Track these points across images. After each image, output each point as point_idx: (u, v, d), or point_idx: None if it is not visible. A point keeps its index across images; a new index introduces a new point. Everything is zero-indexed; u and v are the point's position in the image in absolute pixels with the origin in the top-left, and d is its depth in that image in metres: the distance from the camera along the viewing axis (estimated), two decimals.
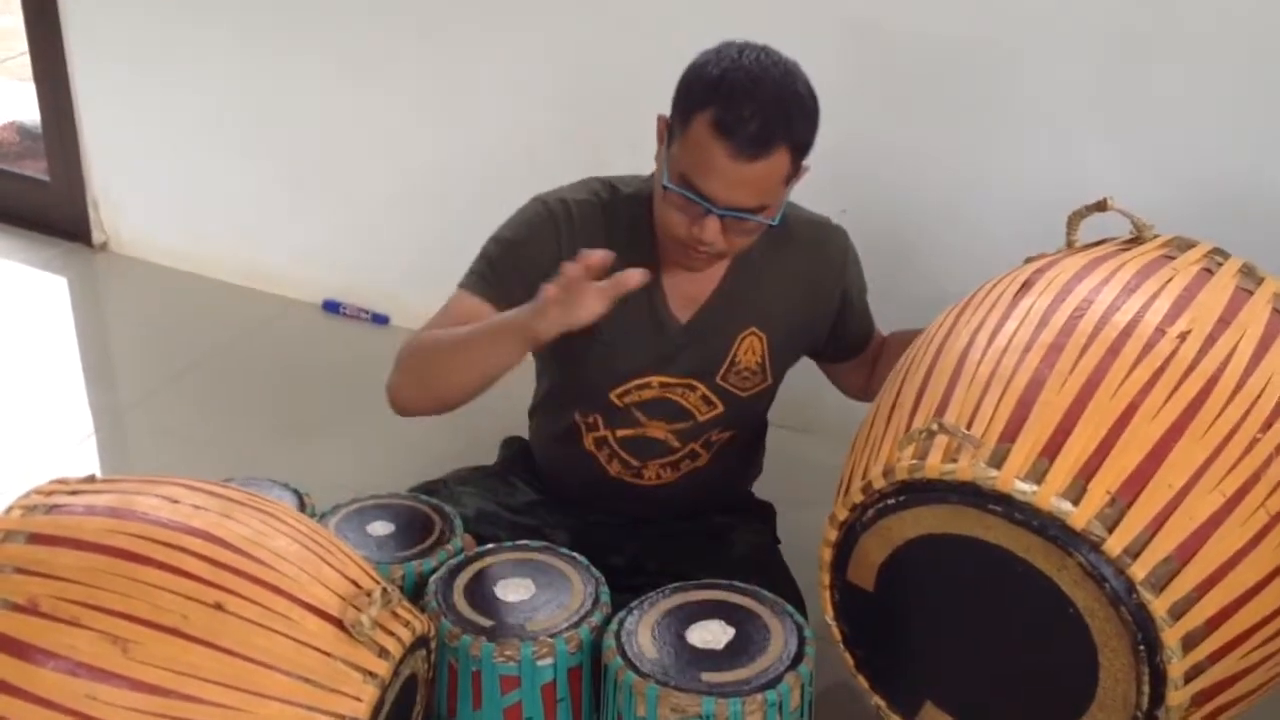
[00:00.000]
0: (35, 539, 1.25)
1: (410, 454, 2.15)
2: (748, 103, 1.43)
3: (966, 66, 2.03)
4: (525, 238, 1.61)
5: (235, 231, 2.82)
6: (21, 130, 3.49)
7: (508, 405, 1.87)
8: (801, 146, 1.48)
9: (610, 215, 1.62)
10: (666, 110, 1.53)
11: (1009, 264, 1.54)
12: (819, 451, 2.07)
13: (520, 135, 2.41)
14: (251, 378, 2.53)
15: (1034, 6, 1.96)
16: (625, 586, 1.56)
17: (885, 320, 1.84)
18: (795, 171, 1.50)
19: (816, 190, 1.65)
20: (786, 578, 1.73)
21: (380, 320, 2.71)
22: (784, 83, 1.46)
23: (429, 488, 1.78)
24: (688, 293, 1.65)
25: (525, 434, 1.90)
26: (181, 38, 2.67)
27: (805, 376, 1.85)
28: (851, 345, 1.80)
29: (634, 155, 1.70)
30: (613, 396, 1.68)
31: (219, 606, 1.20)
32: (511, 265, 1.59)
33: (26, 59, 3.07)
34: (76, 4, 2.75)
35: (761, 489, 1.93)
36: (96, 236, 2.98)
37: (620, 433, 1.70)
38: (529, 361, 1.71)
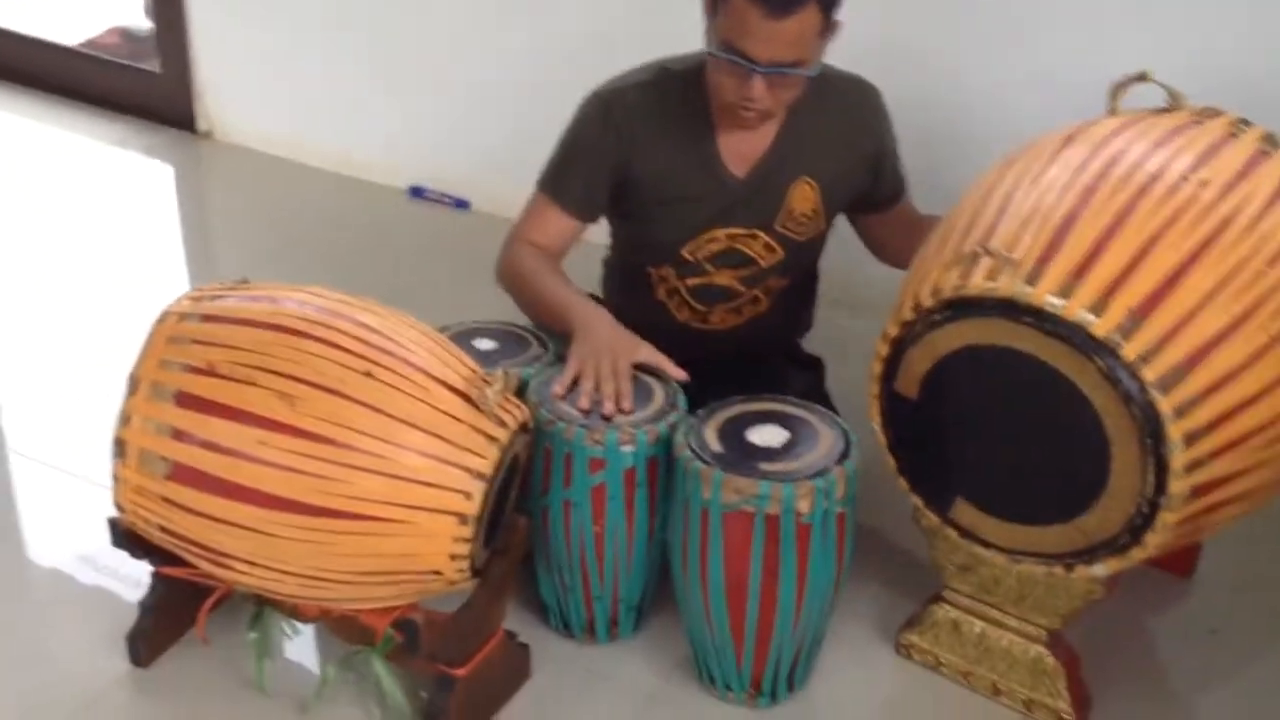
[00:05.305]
0: (208, 318, 1.47)
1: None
2: None
3: None
4: (584, 140, 1.83)
5: (329, 120, 3.01)
6: (125, 35, 3.67)
7: (582, 264, 2.06)
8: (829, 2, 1.66)
9: (663, 92, 1.82)
10: None
11: None
12: (864, 328, 2.24)
13: (600, 24, 2.55)
14: (338, 260, 2.68)
15: None
16: None
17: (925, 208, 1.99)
18: (828, 26, 1.68)
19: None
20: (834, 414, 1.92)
21: (461, 205, 2.90)
22: None
23: None
24: (742, 152, 1.84)
25: (596, 287, 2.07)
26: None
27: (852, 250, 2.02)
28: (887, 194, 1.97)
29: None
30: (683, 252, 1.88)
31: (369, 374, 1.42)
32: (578, 172, 1.84)
33: None
34: None
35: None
36: (201, 125, 3.19)
37: (690, 282, 1.91)
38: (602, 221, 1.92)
